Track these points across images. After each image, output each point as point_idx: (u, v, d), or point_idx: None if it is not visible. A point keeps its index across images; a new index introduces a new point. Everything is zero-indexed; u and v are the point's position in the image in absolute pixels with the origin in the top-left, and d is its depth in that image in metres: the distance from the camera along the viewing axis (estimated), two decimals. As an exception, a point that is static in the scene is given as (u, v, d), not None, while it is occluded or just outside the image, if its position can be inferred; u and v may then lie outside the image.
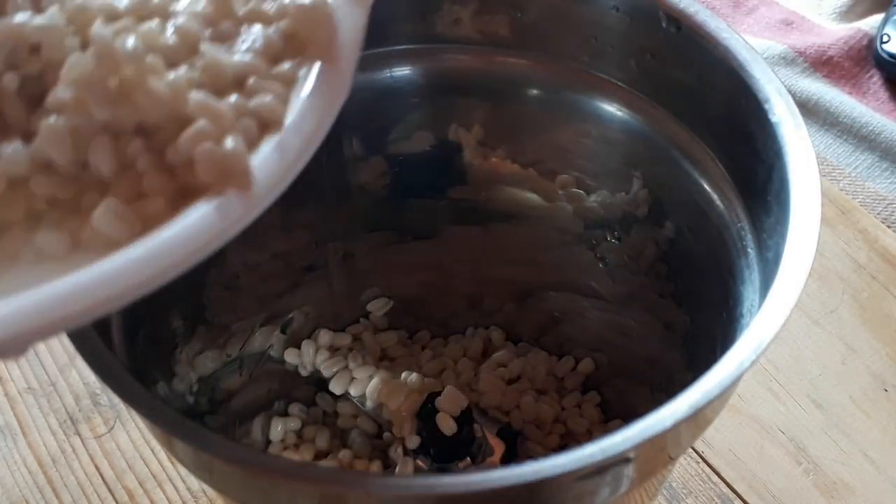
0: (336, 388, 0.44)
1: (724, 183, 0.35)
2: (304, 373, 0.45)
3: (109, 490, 0.43)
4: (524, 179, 0.42)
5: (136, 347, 0.33)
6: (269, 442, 0.44)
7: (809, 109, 0.61)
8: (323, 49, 0.25)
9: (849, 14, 0.68)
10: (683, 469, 0.44)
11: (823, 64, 0.63)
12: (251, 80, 0.24)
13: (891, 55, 0.62)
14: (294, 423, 0.44)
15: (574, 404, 0.44)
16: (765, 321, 0.27)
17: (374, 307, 0.46)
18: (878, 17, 0.66)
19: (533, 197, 0.42)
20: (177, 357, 0.38)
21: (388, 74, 0.40)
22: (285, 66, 0.24)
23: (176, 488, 0.43)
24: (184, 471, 0.43)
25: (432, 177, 0.43)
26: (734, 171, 0.35)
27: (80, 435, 0.45)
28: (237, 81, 0.24)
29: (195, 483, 0.43)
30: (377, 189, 0.43)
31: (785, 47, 0.64)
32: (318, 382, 0.45)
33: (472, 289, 0.46)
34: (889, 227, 0.53)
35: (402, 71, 0.40)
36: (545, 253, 0.44)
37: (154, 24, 0.24)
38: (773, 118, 0.31)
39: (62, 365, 0.47)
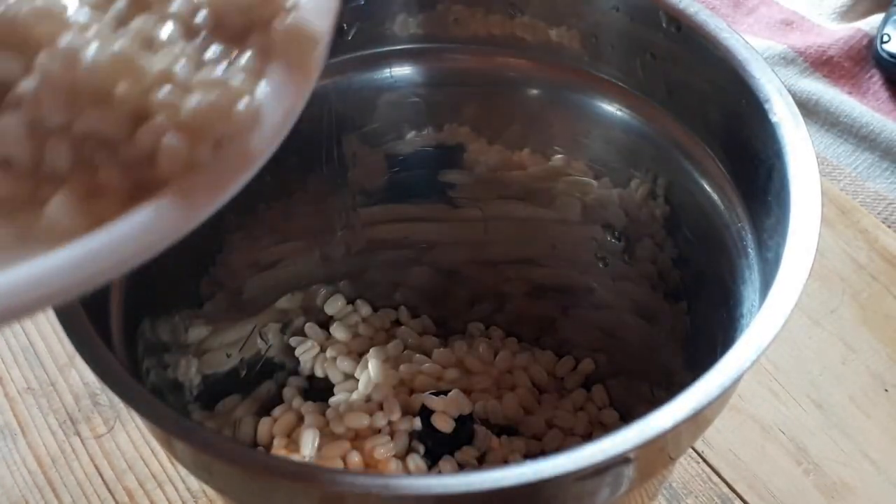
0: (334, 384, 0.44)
1: (725, 183, 0.35)
2: (304, 373, 0.45)
3: (109, 490, 0.43)
4: (524, 179, 0.42)
5: (135, 347, 0.33)
6: (269, 442, 0.44)
7: (809, 109, 0.61)
8: (287, 51, 0.24)
9: (849, 14, 0.67)
10: (683, 469, 0.44)
11: (823, 64, 0.63)
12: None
13: (891, 55, 0.62)
14: (294, 423, 0.44)
15: (574, 404, 0.44)
16: (765, 321, 0.27)
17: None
18: (878, 17, 0.65)
19: (533, 196, 0.42)
20: (176, 357, 0.38)
21: (388, 74, 0.40)
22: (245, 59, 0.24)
23: (176, 488, 0.43)
24: (184, 471, 0.43)
25: (432, 176, 0.43)
26: (734, 171, 0.35)
27: (79, 435, 0.45)
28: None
29: (195, 483, 0.43)
30: (377, 189, 0.43)
31: (785, 47, 0.64)
32: (318, 382, 0.45)
33: (472, 289, 0.46)
34: (889, 226, 0.53)
35: (402, 70, 0.40)
36: (545, 252, 0.43)
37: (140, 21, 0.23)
38: (774, 118, 0.31)
39: (62, 365, 0.47)
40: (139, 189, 0.22)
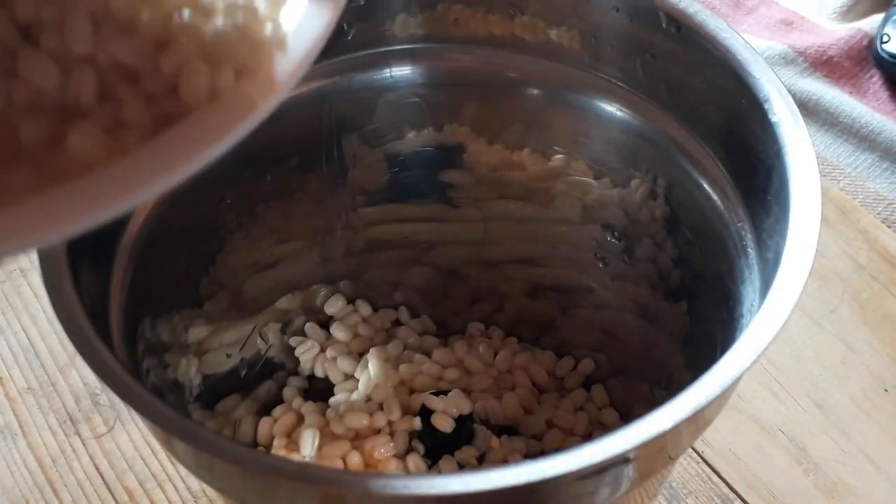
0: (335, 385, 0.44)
1: (724, 183, 0.35)
2: (304, 373, 0.45)
3: (109, 490, 0.43)
4: (524, 179, 0.42)
5: (136, 347, 0.33)
6: (269, 442, 0.44)
7: (809, 109, 0.61)
8: None
9: (849, 14, 0.67)
10: (683, 469, 0.44)
11: (823, 64, 0.63)
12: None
13: (891, 55, 0.62)
14: (294, 423, 0.44)
15: (574, 404, 0.44)
16: (765, 321, 0.27)
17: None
18: (878, 17, 0.65)
19: (533, 196, 0.42)
20: (177, 357, 0.38)
21: (388, 74, 0.40)
22: None
23: (176, 488, 0.43)
24: (184, 471, 0.43)
25: (432, 176, 0.43)
26: (734, 171, 0.35)
27: (79, 435, 0.45)
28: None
29: (195, 483, 0.43)
30: (377, 189, 0.43)
31: (785, 47, 0.64)
32: (318, 382, 0.45)
33: (472, 289, 0.46)
34: (889, 227, 0.53)
35: (402, 70, 0.40)
36: (545, 253, 0.44)
37: None
38: (773, 118, 0.31)
39: (62, 365, 0.47)
40: (163, 122, 0.22)
